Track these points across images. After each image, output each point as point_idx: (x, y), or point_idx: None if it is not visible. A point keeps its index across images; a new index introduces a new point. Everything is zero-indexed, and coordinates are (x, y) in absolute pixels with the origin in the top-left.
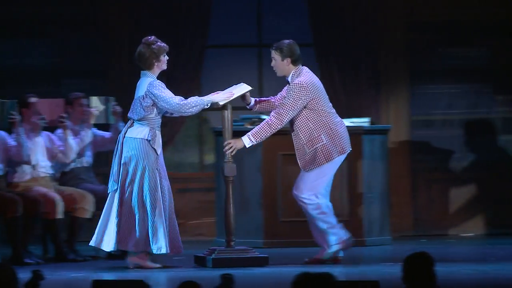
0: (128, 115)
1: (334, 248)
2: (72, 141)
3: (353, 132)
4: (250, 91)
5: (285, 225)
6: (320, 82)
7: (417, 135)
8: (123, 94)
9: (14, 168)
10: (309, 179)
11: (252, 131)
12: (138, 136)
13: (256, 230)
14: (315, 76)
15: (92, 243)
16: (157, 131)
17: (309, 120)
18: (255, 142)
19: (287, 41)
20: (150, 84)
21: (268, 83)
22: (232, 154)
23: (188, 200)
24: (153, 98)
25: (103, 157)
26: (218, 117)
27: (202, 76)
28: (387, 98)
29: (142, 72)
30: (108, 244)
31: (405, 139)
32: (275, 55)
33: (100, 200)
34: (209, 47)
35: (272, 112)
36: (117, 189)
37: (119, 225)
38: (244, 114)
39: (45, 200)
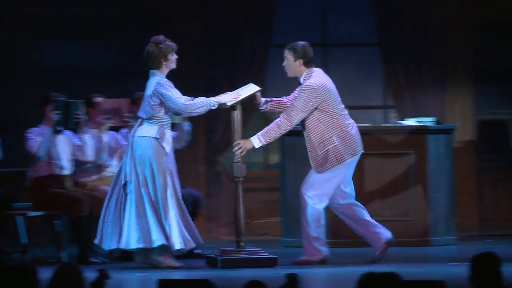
0: (138, 114)
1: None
2: None
3: (418, 132)
4: (259, 91)
5: None
6: (333, 84)
7: (483, 135)
8: (187, 94)
9: (80, 168)
10: (319, 179)
11: (261, 131)
12: (147, 134)
13: None
14: (327, 77)
15: (99, 243)
16: (166, 129)
17: (320, 122)
18: (265, 143)
19: (301, 42)
20: (157, 83)
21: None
22: (242, 154)
23: (253, 199)
24: (160, 97)
25: None
26: None
27: (266, 75)
28: (452, 98)
29: (150, 71)
30: (122, 243)
31: (471, 138)
32: (288, 55)
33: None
34: (273, 46)
35: (283, 113)
36: (125, 187)
37: (132, 223)
38: None
39: None
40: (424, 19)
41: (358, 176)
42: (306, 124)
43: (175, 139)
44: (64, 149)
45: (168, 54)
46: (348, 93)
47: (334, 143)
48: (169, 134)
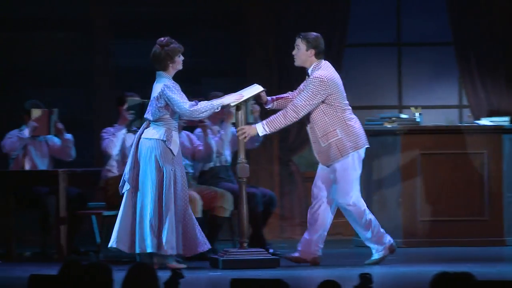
0: (145, 116)
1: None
2: (211, 141)
3: (493, 131)
4: (263, 91)
5: (424, 225)
6: (339, 78)
7: None
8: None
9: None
10: (340, 183)
11: (267, 120)
12: (154, 137)
13: (395, 230)
14: (335, 71)
15: (112, 244)
16: (173, 132)
17: (325, 115)
18: (268, 132)
19: (315, 33)
20: (164, 85)
21: (407, 83)
22: (245, 140)
23: None
24: (166, 100)
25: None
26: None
27: (341, 75)
28: None
29: (157, 72)
30: (125, 244)
31: None
32: (301, 44)
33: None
34: (348, 46)
35: (290, 104)
36: (129, 189)
37: (135, 226)
38: (382, 114)
39: None
40: (500, 17)
41: (432, 176)
42: (311, 117)
43: (252, 139)
44: None
45: (174, 56)
46: (422, 93)
47: (338, 136)
48: (176, 136)
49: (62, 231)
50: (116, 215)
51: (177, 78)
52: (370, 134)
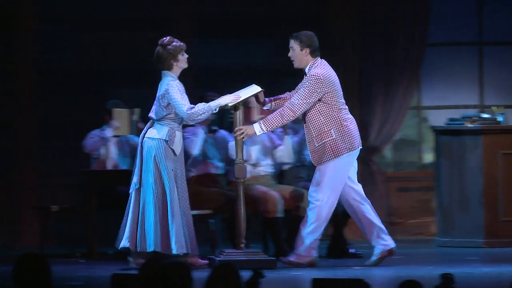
0: (149, 115)
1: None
2: (291, 140)
3: None
4: (261, 92)
5: (507, 225)
6: (337, 76)
7: None
8: (343, 91)
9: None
10: (323, 180)
11: (264, 119)
12: (156, 136)
13: (477, 230)
14: (332, 69)
15: (123, 244)
16: (177, 131)
17: (320, 114)
18: (265, 131)
19: (307, 31)
20: (168, 85)
21: (489, 82)
22: (244, 140)
23: (407, 199)
24: (168, 99)
25: None
26: (437, 116)
27: (421, 74)
28: None
29: (162, 72)
30: (133, 244)
31: None
32: (294, 45)
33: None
34: (429, 46)
35: (287, 103)
36: (139, 188)
37: (138, 225)
38: (463, 113)
39: (265, 199)
40: None
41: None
42: (307, 116)
43: None
44: (219, 148)
45: (177, 54)
46: (504, 92)
47: (332, 136)
48: (180, 136)
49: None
50: (196, 215)
51: (257, 77)
52: (451, 133)
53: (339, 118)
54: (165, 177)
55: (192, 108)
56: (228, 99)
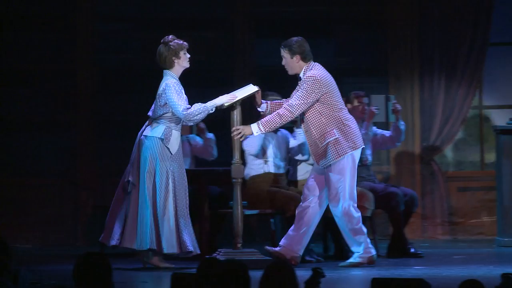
0: (148, 113)
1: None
2: None
3: None
4: (257, 91)
5: None
6: (333, 78)
7: None
8: (403, 92)
9: (295, 166)
10: (336, 188)
11: (262, 119)
12: (153, 135)
13: None
14: (327, 72)
15: (112, 242)
16: (174, 130)
17: (321, 115)
18: (264, 132)
19: (295, 38)
20: (166, 84)
21: None
22: (241, 140)
23: (468, 198)
24: (165, 99)
25: (383, 155)
26: (499, 115)
27: (483, 74)
28: None
29: (163, 71)
30: (131, 242)
31: None
32: (284, 54)
33: (379, 199)
34: (492, 45)
35: (285, 104)
36: (134, 187)
37: (128, 222)
38: None
39: None
40: None
41: None
42: (306, 117)
43: (390, 138)
44: (279, 148)
45: (179, 51)
46: None
47: (335, 135)
48: (177, 135)
49: (204, 229)
50: (257, 214)
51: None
52: None
53: (340, 118)
54: (157, 176)
55: (188, 108)
56: (224, 99)
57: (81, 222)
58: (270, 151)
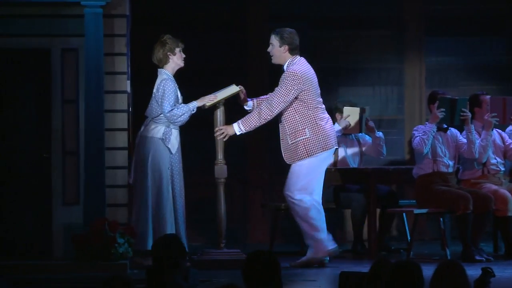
0: (145, 113)
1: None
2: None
3: None
4: (240, 91)
5: None
6: (315, 75)
7: None
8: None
9: (465, 165)
10: (299, 178)
11: (242, 119)
12: (151, 135)
13: None
14: (310, 67)
15: None
16: (173, 130)
17: (296, 112)
18: (244, 131)
19: (289, 29)
20: (159, 84)
21: None
22: (224, 139)
23: None
24: (156, 98)
25: None
26: None
27: None
28: None
29: (158, 70)
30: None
31: None
32: (274, 40)
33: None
34: None
35: (264, 102)
36: (134, 186)
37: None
38: None
39: (496, 197)
40: None
41: None
42: (282, 113)
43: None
44: (449, 147)
45: (174, 48)
46: None
47: (306, 135)
48: (176, 134)
49: (373, 228)
50: (426, 213)
51: (489, 76)
52: None
53: (314, 117)
54: (160, 176)
55: (171, 110)
56: (205, 100)
57: (251, 221)
58: (439, 150)
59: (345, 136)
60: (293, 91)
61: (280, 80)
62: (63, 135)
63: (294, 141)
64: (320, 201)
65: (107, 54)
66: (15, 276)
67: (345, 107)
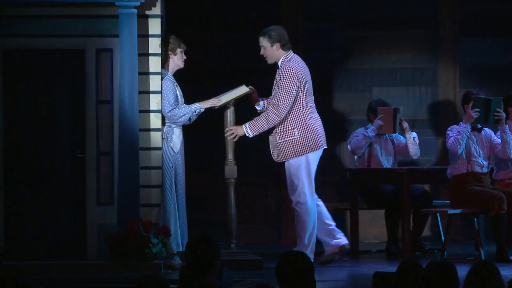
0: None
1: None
2: None
3: None
4: (249, 91)
5: None
6: (309, 72)
7: None
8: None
9: (499, 165)
10: (290, 178)
11: (250, 123)
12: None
13: None
14: (304, 64)
15: None
16: (175, 129)
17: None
18: (251, 135)
19: (274, 26)
20: (163, 83)
21: None
22: (234, 140)
23: None
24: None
25: None
26: None
27: None
28: None
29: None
30: None
31: None
32: (264, 42)
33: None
34: None
35: (270, 107)
36: None
37: None
38: None
39: None
40: None
41: None
42: None
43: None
44: (483, 147)
45: (176, 47)
46: None
47: (294, 135)
48: (178, 132)
49: (406, 228)
50: (460, 213)
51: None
52: None
53: (304, 117)
54: (164, 176)
55: (172, 110)
56: (208, 104)
57: (285, 221)
58: (474, 150)
59: (379, 136)
60: (294, 89)
61: (277, 80)
62: (98, 135)
63: (282, 140)
64: (312, 199)
65: (142, 54)
66: (50, 276)
67: (378, 107)
